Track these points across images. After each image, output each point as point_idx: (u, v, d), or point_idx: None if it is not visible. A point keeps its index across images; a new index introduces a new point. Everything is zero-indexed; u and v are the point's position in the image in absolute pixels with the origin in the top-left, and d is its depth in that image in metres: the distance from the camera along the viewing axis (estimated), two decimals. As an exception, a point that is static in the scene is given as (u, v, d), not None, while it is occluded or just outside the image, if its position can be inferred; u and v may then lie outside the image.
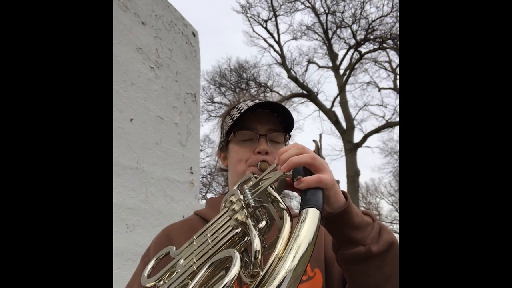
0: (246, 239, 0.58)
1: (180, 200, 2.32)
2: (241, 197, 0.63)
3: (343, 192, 0.68)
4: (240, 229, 0.58)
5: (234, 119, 0.91)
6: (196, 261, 0.60)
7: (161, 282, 0.65)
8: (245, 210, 0.60)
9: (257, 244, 0.52)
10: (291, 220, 0.56)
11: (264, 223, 0.59)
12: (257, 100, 0.94)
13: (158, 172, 2.15)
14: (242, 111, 0.89)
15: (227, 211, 0.64)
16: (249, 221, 0.57)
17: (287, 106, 0.93)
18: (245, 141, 0.91)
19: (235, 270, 0.48)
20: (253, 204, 0.60)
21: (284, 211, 0.58)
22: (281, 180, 0.65)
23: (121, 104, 1.93)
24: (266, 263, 0.48)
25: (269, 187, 0.63)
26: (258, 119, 0.91)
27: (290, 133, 0.96)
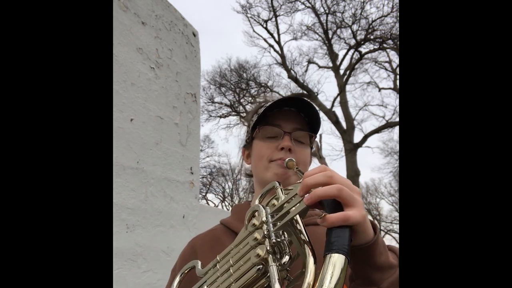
0: (268, 274, 0.55)
1: (180, 200, 2.32)
2: (264, 218, 0.61)
3: (373, 225, 0.62)
4: (261, 266, 0.55)
5: (259, 115, 0.90)
6: None
7: None
8: (266, 243, 0.57)
9: None
10: (315, 261, 0.53)
11: (287, 258, 0.56)
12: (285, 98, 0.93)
13: (158, 172, 2.15)
14: (268, 106, 0.88)
15: (249, 235, 0.61)
16: (270, 259, 0.55)
17: None
18: (269, 138, 0.90)
19: None
20: (274, 240, 0.56)
21: (306, 245, 0.55)
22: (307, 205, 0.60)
23: (121, 104, 1.93)
24: None
25: (295, 218, 0.59)
26: (284, 117, 0.90)
27: (316, 134, 0.94)
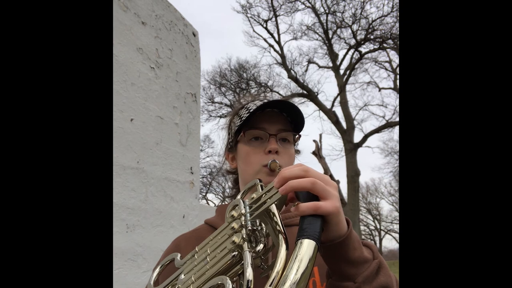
0: (243, 262, 0.57)
1: (180, 200, 2.32)
2: (243, 210, 0.63)
3: (347, 221, 0.64)
4: (236, 253, 0.58)
5: (243, 118, 0.90)
6: (195, 280, 0.61)
7: None
8: (242, 232, 0.59)
9: (249, 274, 0.52)
10: (287, 248, 0.55)
11: (261, 246, 0.59)
12: (265, 100, 0.93)
13: (158, 172, 2.15)
14: (251, 110, 0.88)
15: (227, 226, 0.64)
16: (245, 245, 0.57)
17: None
18: (254, 141, 0.91)
19: None
20: (250, 227, 0.59)
21: (280, 235, 0.57)
22: (282, 196, 0.62)
23: (121, 104, 1.93)
24: None
25: (271, 207, 0.62)
26: (267, 119, 0.90)
27: (300, 133, 0.95)
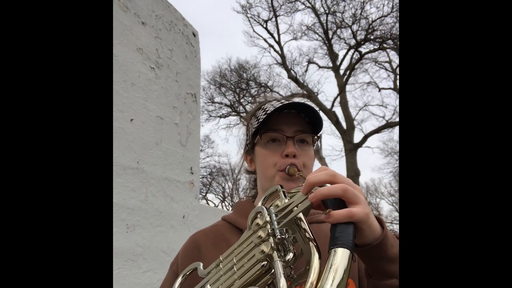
0: (272, 271, 0.56)
1: (180, 200, 2.32)
2: (267, 218, 0.61)
3: (379, 220, 0.63)
4: (266, 262, 0.56)
5: (260, 120, 0.89)
6: None
7: None
8: (271, 240, 0.57)
9: (282, 284, 0.50)
10: (320, 257, 0.54)
11: (291, 255, 0.57)
12: (283, 101, 0.92)
13: (158, 172, 2.15)
14: (268, 112, 0.87)
15: (253, 234, 0.62)
16: (275, 255, 0.55)
17: None
18: (272, 143, 0.89)
19: None
20: (279, 237, 0.57)
21: (311, 242, 0.56)
22: (310, 204, 0.61)
23: (121, 104, 1.93)
24: None
25: (299, 215, 0.60)
26: (285, 121, 0.89)
27: (319, 134, 0.93)
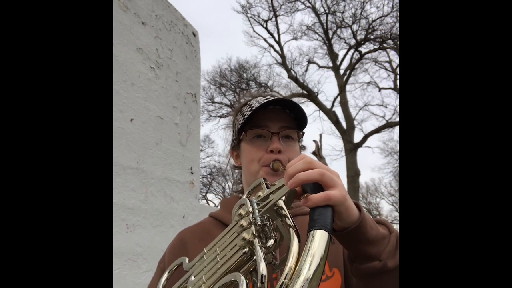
0: (254, 258, 0.57)
1: (180, 200, 2.32)
2: (250, 209, 0.62)
3: (356, 204, 0.65)
4: (247, 249, 0.57)
5: (245, 116, 0.90)
6: (206, 280, 0.60)
7: None
8: (252, 227, 0.58)
9: (262, 268, 0.51)
10: (299, 240, 0.55)
11: (272, 241, 0.58)
12: (268, 97, 0.93)
13: (158, 172, 2.15)
14: (254, 108, 0.88)
15: (236, 225, 0.63)
16: (256, 241, 0.56)
17: None
18: (257, 139, 0.90)
19: None
20: (259, 223, 0.59)
21: (291, 229, 0.57)
22: (291, 191, 0.63)
23: (121, 104, 1.93)
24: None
25: (279, 201, 0.62)
26: (270, 116, 0.90)
27: (304, 130, 0.94)
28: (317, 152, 12.50)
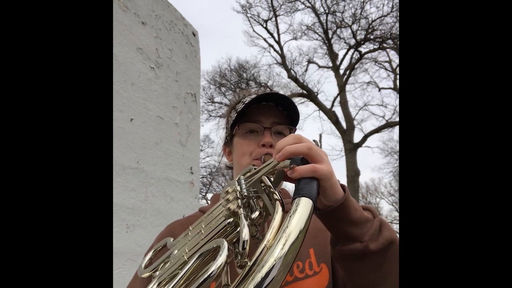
0: (238, 229, 0.56)
1: (180, 200, 2.32)
2: (237, 187, 0.62)
3: (342, 186, 0.65)
4: (232, 219, 0.57)
5: (238, 111, 0.90)
6: (188, 251, 0.59)
7: (157, 272, 0.65)
8: (238, 200, 0.58)
9: (245, 233, 0.51)
10: (284, 210, 0.54)
11: (257, 213, 0.58)
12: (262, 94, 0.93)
13: (158, 172, 2.15)
14: (246, 103, 0.89)
15: (222, 201, 0.63)
16: (241, 210, 0.56)
17: None
18: (249, 134, 0.91)
19: (221, 259, 0.47)
20: (245, 194, 0.59)
21: (277, 201, 0.56)
22: (279, 171, 0.63)
23: (121, 104, 1.93)
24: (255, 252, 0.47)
25: (264, 176, 0.62)
26: (263, 112, 0.90)
27: (296, 127, 0.95)
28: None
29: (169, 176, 2.24)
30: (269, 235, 0.48)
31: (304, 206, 0.51)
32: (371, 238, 0.63)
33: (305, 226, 0.48)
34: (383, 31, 13.28)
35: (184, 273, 0.52)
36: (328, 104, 14.51)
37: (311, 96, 14.20)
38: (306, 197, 0.52)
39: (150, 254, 0.74)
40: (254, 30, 15.52)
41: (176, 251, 0.64)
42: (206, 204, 1.02)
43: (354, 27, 13.81)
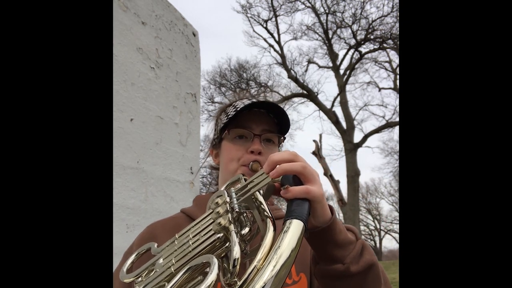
0: (227, 244, 0.56)
1: (180, 200, 2.32)
2: (227, 199, 0.62)
3: (330, 207, 0.66)
4: (222, 234, 0.57)
5: (229, 116, 0.90)
6: (175, 262, 0.59)
7: (139, 279, 0.64)
8: (229, 215, 0.58)
9: (236, 252, 0.51)
10: (275, 229, 0.55)
11: (247, 229, 0.58)
12: (254, 100, 0.93)
13: (158, 172, 2.15)
14: (238, 109, 0.88)
15: (212, 213, 0.63)
16: (232, 227, 0.56)
17: (287, 106, 0.93)
18: (238, 139, 0.91)
19: (212, 277, 0.47)
20: (237, 210, 0.59)
21: (268, 219, 0.57)
22: (270, 185, 0.63)
23: (121, 104, 1.93)
24: (245, 272, 0.47)
25: (256, 192, 0.62)
26: (254, 118, 0.90)
27: (285, 136, 0.95)
28: (317, 152, 12.51)
29: (169, 176, 2.24)
30: (260, 255, 0.50)
31: (295, 228, 0.52)
32: (352, 260, 0.64)
33: (295, 250, 0.49)
34: (383, 31, 13.29)
35: (172, 286, 0.52)
36: (328, 104, 14.53)
37: (311, 96, 14.20)
38: (298, 219, 0.54)
39: (133, 257, 0.73)
40: (254, 30, 15.53)
41: (161, 259, 0.63)
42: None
43: (354, 27, 13.82)
